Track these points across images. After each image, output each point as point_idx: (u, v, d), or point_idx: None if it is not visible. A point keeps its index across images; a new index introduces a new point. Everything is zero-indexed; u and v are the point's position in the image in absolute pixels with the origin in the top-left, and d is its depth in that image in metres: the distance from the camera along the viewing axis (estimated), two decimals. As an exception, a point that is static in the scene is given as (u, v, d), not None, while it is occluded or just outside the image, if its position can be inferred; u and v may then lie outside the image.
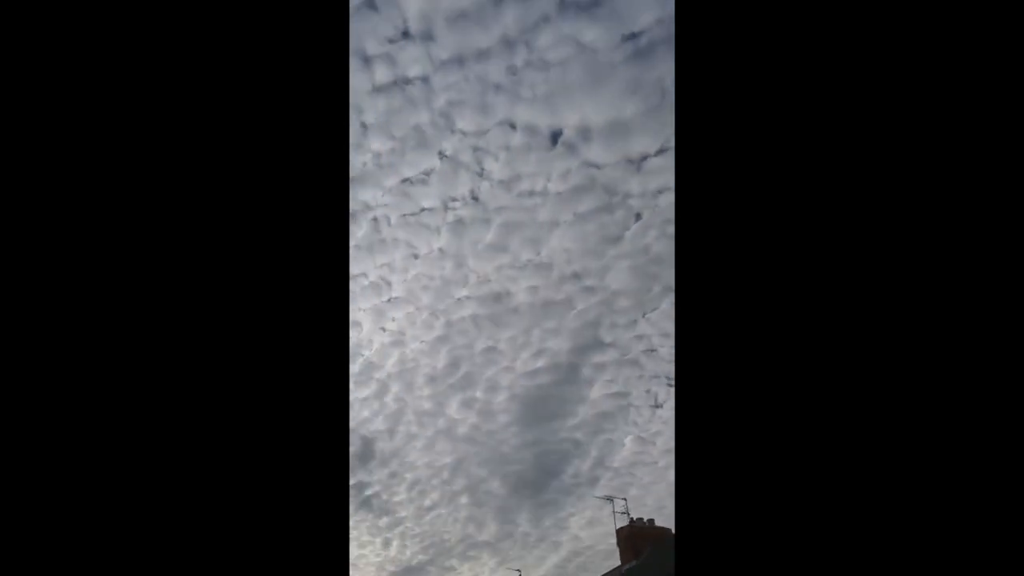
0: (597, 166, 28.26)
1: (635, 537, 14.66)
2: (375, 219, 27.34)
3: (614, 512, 14.93)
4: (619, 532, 14.97)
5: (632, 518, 15.05)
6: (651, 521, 15.13)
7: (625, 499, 15.18)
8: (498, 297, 29.28)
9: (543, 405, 30.12)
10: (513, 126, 27.28)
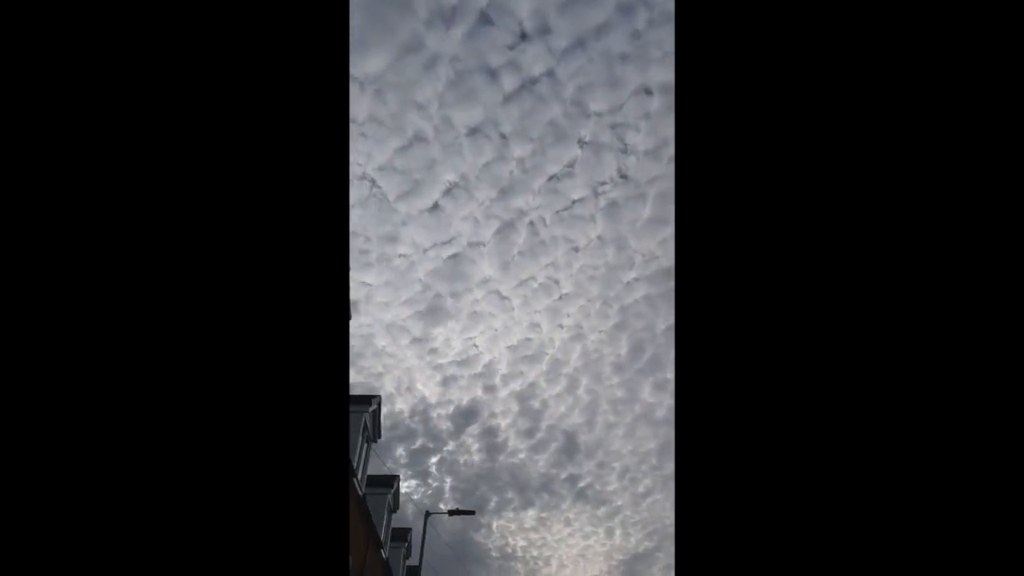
0: None
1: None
2: (531, 223, 27.55)
3: None
4: None
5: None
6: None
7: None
8: (669, 272, 28.01)
9: None
10: (648, 91, 25.85)
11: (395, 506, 15.51)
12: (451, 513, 15.62)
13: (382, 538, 15.74)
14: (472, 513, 15.94)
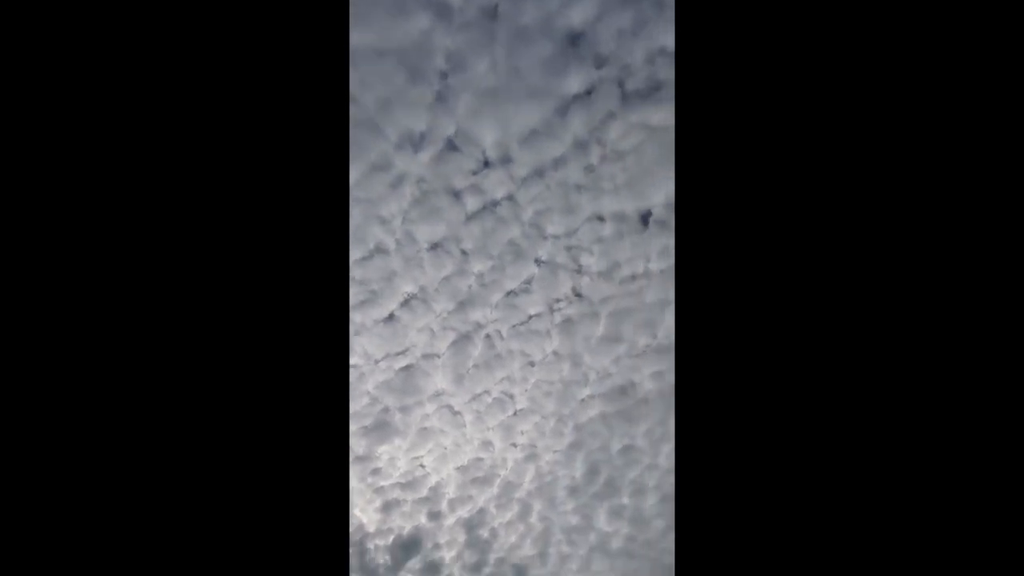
0: None
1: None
2: (488, 336, 27.76)
3: None
4: None
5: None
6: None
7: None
8: (623, 390, 28.03)
9: None
10: (601, 218, 27.50)
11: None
12: None
13: None
14: None
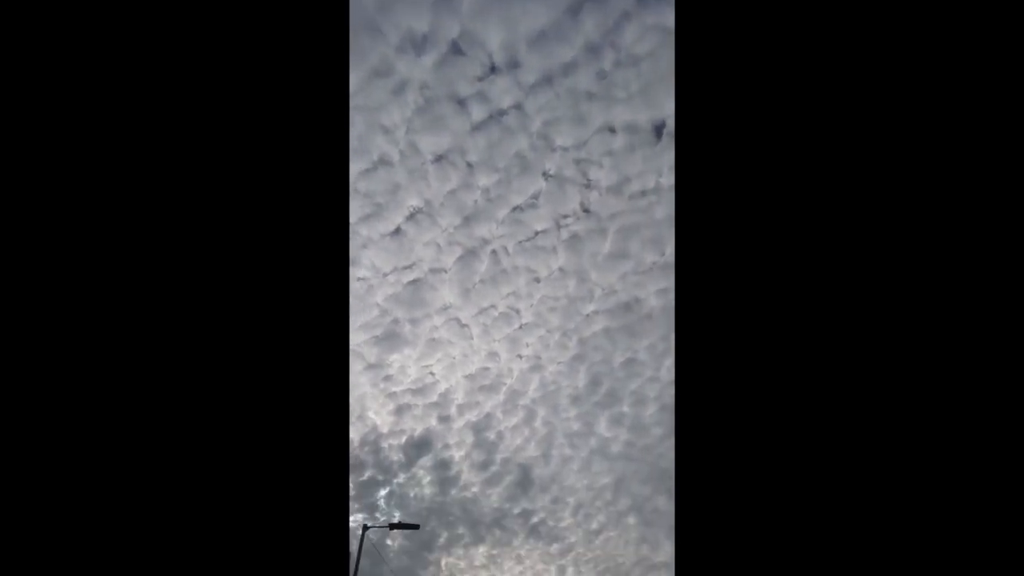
0: None
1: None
2: (494, 252, 28.11)
3: None
4: None
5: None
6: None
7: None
8: (628, 306, 28.84)
9: None
10: (612, 130, 27.04)
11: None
12: (392, 527, 15.60)
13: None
14: (416, 527, 15.87)
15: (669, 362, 29.05)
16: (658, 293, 27.51)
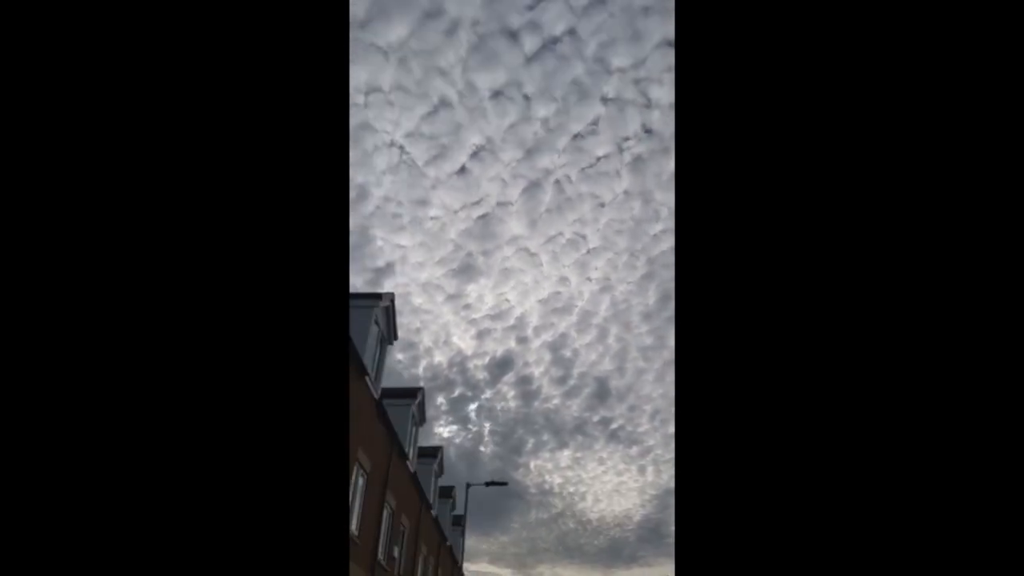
0: None
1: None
2: (557, 181, 27.79)
3: None
4: None
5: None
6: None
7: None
8: None
9: None
10: (671, 44, 25.39)
11: (421, 419, 15.54)
12: (488, 484, 18.41)
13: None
14: (505, 484, 18.81)
15: None
16: None
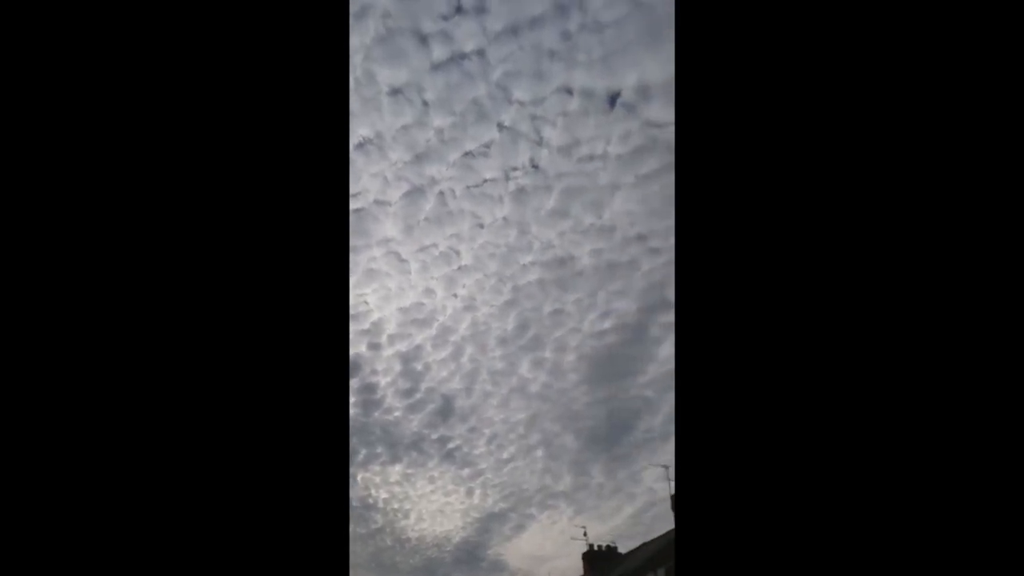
0: (658, 125, 27.98)
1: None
2: (441, 192, 28.00)
3: (668, 480, 15.49)
4: (673, 498, 15.46)
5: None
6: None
7: (677, 467, 15.66)
8: (562, 261, 29.81)
9: (612, 364, 31.20)
10: (570, 91, 27.11)
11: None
12: None
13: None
14: None
15: (592, 316, 30.45)
16: (592, 252, 28.60)
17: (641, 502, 29.76)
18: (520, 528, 31.67)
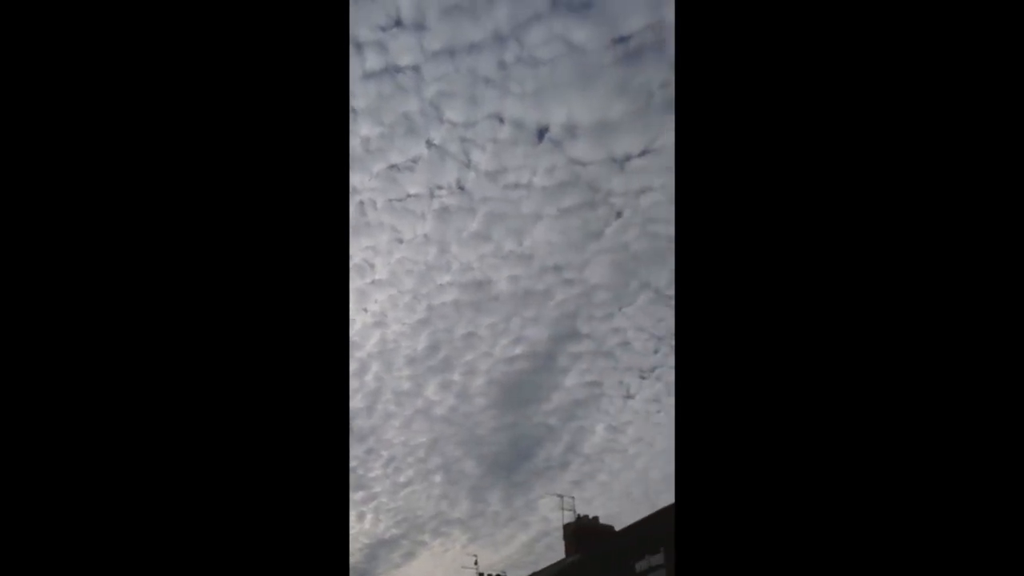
0: (582, 163, 28.98)
1: (580, 532, 15.11)
2: (361, 202, 27.47)
3: (562, 510, 15.50)
4: (566, 527, 15.46)
5: (578, 515, 15.55)
6: (595, 519, 15.65)
7: (573, 497, 15.77)
8: (480, 285, 29.81)
9: (519, 391, 31.05)
10: (501, 119, 27.74)
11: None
12: None
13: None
14: None
15: (505, 341, 30.56)
16: (509, 279, 28.92)
17: (535, 531, 29.78)
18: (410, 555, 30.70)
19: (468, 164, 27.37)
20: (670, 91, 27.18)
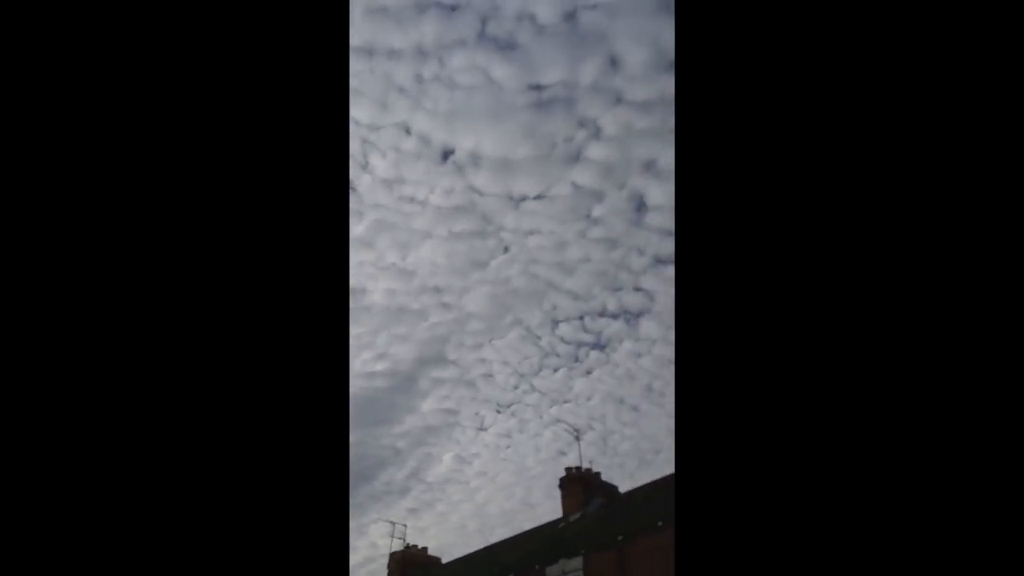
0: (480, 192, 29.15)
1: (406, 562, 14.70)
2: None
3: (392, 537, 15.00)
4: (392, 556, 14.94)
5: (408, 544, 15.13)
6: (424, 549, 15.33)
7: (406, 525, 15.34)
8: (353, 292, 28.41)
9: (372, 408, 29.53)
10: (408, 131, 27.23)
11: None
12: None
13: None
14: None
15: (368, 355, 30.08)
16: (386, 292, 29.37)
17: (361, 556, 28.43)
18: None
19: (365, 166, 26.47)
20: (573, 145, 28.58)
